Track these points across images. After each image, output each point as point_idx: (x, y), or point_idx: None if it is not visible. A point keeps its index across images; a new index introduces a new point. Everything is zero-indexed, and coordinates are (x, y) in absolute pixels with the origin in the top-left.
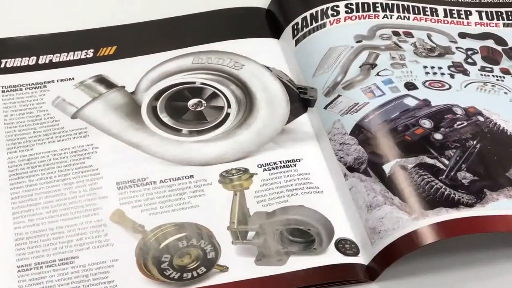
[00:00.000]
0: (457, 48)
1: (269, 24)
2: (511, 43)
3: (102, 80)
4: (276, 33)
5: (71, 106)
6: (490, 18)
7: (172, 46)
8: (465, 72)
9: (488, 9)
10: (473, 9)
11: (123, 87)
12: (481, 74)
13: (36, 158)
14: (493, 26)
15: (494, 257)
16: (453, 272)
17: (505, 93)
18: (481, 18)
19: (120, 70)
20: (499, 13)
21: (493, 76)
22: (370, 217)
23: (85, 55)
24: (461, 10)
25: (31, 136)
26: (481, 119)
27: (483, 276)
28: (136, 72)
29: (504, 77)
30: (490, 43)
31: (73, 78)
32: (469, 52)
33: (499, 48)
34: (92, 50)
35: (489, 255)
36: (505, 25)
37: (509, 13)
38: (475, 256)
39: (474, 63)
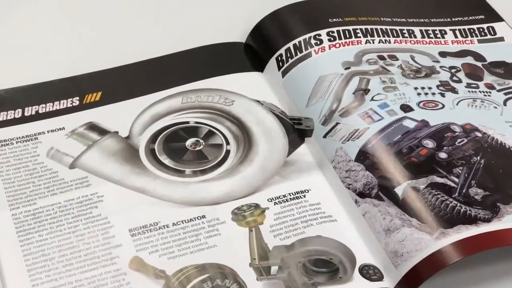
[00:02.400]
0: (441, 67)
1: (249, 58)
2: (489, 59)
3: (93, 127)
4: (258, 66)
5: (66, 156)
6: (464, 35)
7: (157, 87)
8: (454, 90)
9: (461, 27)
10: (446, 28)
11: (117, 132)
12: (469, 91)
13: (41, 212)
14: (469, 43)
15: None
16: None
17: (495, 107)
18: (456, 36)
19: (108, 116)
20: (472, 30)
21: (480, 92)
22: (389, 241)
23: (71, 104)
24: (436, 30)
25: (31, 190)
26: (479, 134)
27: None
28: (125, 116)
29: (490, 92)
30: (470, 60)
31: (63, 128)
32: (453, 70)
33: (479, 64)
34: (77, 98)
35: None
36: (479, 41)
37: (481, 30)
38: (496, 267)
39: (459, 81)
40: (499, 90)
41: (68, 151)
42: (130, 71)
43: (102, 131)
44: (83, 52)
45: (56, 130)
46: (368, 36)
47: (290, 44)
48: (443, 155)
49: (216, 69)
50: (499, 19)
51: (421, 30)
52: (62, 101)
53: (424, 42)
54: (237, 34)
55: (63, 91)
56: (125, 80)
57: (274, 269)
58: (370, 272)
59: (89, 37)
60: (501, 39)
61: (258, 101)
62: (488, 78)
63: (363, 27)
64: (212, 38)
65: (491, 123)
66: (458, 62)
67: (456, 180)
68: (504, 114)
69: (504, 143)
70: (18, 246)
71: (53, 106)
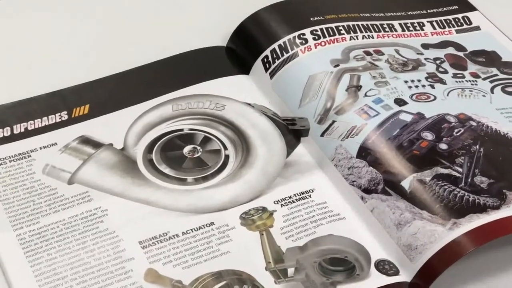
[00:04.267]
0: (425, 59)
1: (233, 62)
2: (469, 48)
3: (86, 141)
4: (243, 69)
5: (63, 172)
6: (442, 26)
7: (144, 97)
8: (442, 81)
9: (437, 18)
10: (424, 20)
11: (111, 144)
12: (456, 81)
13: (47, 231)
14: (448, 34)
15: None
16: (499, 273)
17: (483, 96)
18: (434, 27)
19: (99, 128)
20: (448, 21)
21: (466, 81)
22: (402, 235)
23: (60, 118)
24: (414, 23)
25: (32, 209)
26: (474, 124)
27: None
28: (116, 128)
29: (476, 81)
30: (451, 50)
31: (55, 143)
32: (438, 62)
33: (461, 54)
34: (65, 112)
35: None
36: (457, 31)
37: (457, 20)
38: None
39: (446, 72)
40: (484, 79)
41: (64, 167)
42: (115, 82)
43: (96, 144)
44: (67, 65)
45: (49, 146)
46: (351, 32)
47: (275, 45)
48: (443, 146)
49: (201, 75)
50: (472, 8)
51: (400, 24)
52: (50, 116)
53: (406, 35)
54: (218, 38)
55: (51, 106)
56: (112, 91)
57: (290, 271)
58: (386, 267)
59: (71, 50)
60: (477, 28)
61: (249, 104)
62: (472, 67)
63: (345, 24)
64: (193, 43)
65: (483, 112)
66: (441, 53)
67: (460, 170)
68: (493, 102)
69: (499, 131)
70: (27, 267)
71: (41, 122)
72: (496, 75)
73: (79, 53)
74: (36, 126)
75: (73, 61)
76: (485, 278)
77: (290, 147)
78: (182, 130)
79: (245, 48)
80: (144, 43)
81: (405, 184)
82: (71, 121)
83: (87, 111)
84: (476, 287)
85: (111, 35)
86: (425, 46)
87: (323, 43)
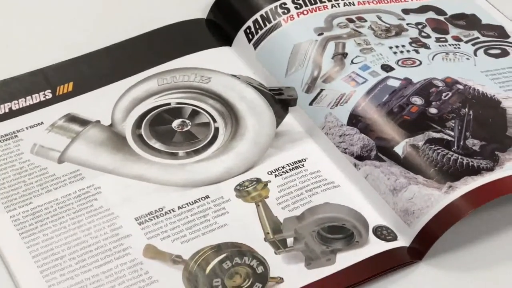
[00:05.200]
0: (407, 24)
1: (214, 34)
2: (449, 12)
3: (73, 118)
4: (225, 41)
5: (52, 151)
6: None
7: (127, 72)
8: (426, 46)
9: None
10: None
11: (98, 121)
12: (439, 45)
13: (41, 211)
14: None
15: None
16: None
17: (467, 59)
18: None
19: (85, 106)
20: None
21: (449, 45)
22: (398, 200)
23: (44, 97)
24: None
25: (24, 189)
26: (461, 87)
27: None
28: (102, 104)
29: (459, 44)
30: (432, 14)
31: (42, 123)
32: (420, 26)
33: (442, 18)
34: (49, 91)
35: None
36: None
37: None
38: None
39: (428, 36)
40: (466, 42)
41: (53, 146)
42: (97, 58)
43: (83, 122)
44: (46, 42)
45: (35, 125)
46: (333, 0)
47: (257, 15)
48: (433, 110)
49: (183, 48)
50: None
51: None
52: (34, 96)
53: (386, 1)
54: (197, 11)
55: (34, 85)
56: (95, 68)
57: (290, 241)
58: (384, 233)
59: (49, 27)
60: None
61: (235, 76)
62: (453, 31)
63: None
64: (172, 17)
65: (469, 75)
66: (422, 18)
67: (452, 133)
68: (477, 65)
69: (486, 93)
70: (24, 248)
71: (26, 102)
72: (478, 37)
73: (58, 30)
74: (21, 106)
75: (53, 38)
76: (481, 240)
77: (279, 117)
78: (169, 104)
79: (226, 20)
80: (123, 18)
81: (398, 149)
82: (56, 99)
83: (72, 89)
84: (472, 249)
85: (90, 11)
86: (406, 11)
87: (305, 12)
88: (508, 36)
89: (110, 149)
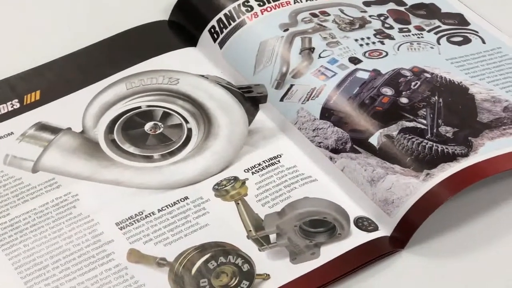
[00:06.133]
0: (370, 16)
1: (177, 35)
2: (409, 2)
3: (44, 127)
4: (189, 42)
5: (25, 160)
6: None
7: (95, 77)
8: (390, 37)
9: None
10: None
11: (70, 128)
12: (403, 36)
13: (19, 222)
14: None
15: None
16: (475, 216)
17: (431, 47)
18: None
19: (54, 113)
20: None
21: (412, 35)
22: (376, 191)
23: (12, 107)
24: None
25: (0, 201)
26: (428, 75)
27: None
28: (72, 111)
29: (422, 34)
30: (392, 5)
31: (12, 133)
32: (382, 18)
33: (402, 8)
34: (16, 100)
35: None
36: None
37: None
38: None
39: (391, 27)
40: (429, 31)
41: (26, 156)
42: (62, 65)
43: (54, 130)
44: (9, 51)
45: (5, 136)
46: None
47: (221, 15)
48: (404, 100)
49: (148, 51)
50: None
51: None
52: (2, 106)
53: None
54: (158, 13)
55: (0, 96)
56: (61, 75)
57: (272, 237)
58: (365, 224)
59: (11, 36)
60: None
61: (203, 76)
62: (415, 20)
63: None
64: (134, 20)
65: (434, 63)
66: (383, 9)
67: (424, 121)
68: (442, 53)
69: (453, 80)
70: (6, 260)
71: None
72: (439, 26)
73: (20, 39)
74: None
75: (15, 47)
76: (461, 225)
77: (250, 114)
78: (140, 107)
79: (189, 20)
80: (85, 25)
81: (373, 140)
82: (24, 108)
83: (39, 97)
84: (453, 234)
85: (51, 19)
86: (367, 3)
87: (269, 9)
88: (468, 24)
89: (84, 155)
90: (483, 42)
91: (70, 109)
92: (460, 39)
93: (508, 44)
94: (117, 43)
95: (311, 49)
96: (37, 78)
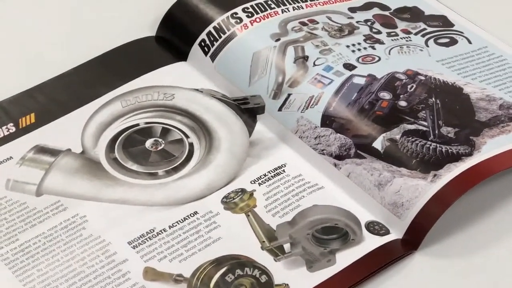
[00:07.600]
0: (357, 22)
1: (166, 50)
2: (392, 6)
3: (42, 149)
4: (179, 56)
5: (28, 184)
6: None
7: (89, 97)
8: (380, 41)
9: None
10: None
11: (69, 149)
12: (392, 40)
13: (29, 247)
14: None
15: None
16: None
17: (421, 50)
18: None
19: (51, 135)
20: None
21: (401, 38)
22: (384, 194)
23: (8, 131)
24: None
25: (7, 227)
26: (422, 78)
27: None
28: (69, 132)
29: (409, 37)
30: (377, 10)
31: (11, 157)
32: (369, 23)
33: (387, 13)
34: (12, 124)
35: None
36: None
37: None
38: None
39: (379, 32)
40: (416, 34)
41: (28, 179)
42: (54, 86)
43: (54, 152)
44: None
45: (4, 160)
46: (281, 5)
47: (210, 28)
48: (403, 103)
49: (138, 68)
50: None
51: None
52: None
53: (331, 1)
54: (145, 29)
55: None
56: (54, 96)
57: (286, 246)
58: (376, 228)
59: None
60: None
61: (197, 90)
62: (401, 24)
63: None
64: (120, 38)
65: (426, 65)
66: (368, 14)
67: (425, 123)
68: (432, 55)
69: (447, 81)
70: (21, 286)
71: None
72: (425, 28)
73: (7, 62)
74: None
75: (1, 71)
76: (472, 223)
77: (249, 125)
78: (138, 125)
79: (177, 35)
80: (71, 45)
81: (377, 145)
82: (20, 132)
83: (34, 120)
84: (464, 233)
85: (38, 41)
86: (352, 9)
87: (258, 19)
88: (453, 25)
89: (87, 176)
90: (469, 42)
91: (67, 131)
92: (447, 40)
93: (493, 43)
94: (106, 61)
95: (305, 58)
96: (29, 100)
